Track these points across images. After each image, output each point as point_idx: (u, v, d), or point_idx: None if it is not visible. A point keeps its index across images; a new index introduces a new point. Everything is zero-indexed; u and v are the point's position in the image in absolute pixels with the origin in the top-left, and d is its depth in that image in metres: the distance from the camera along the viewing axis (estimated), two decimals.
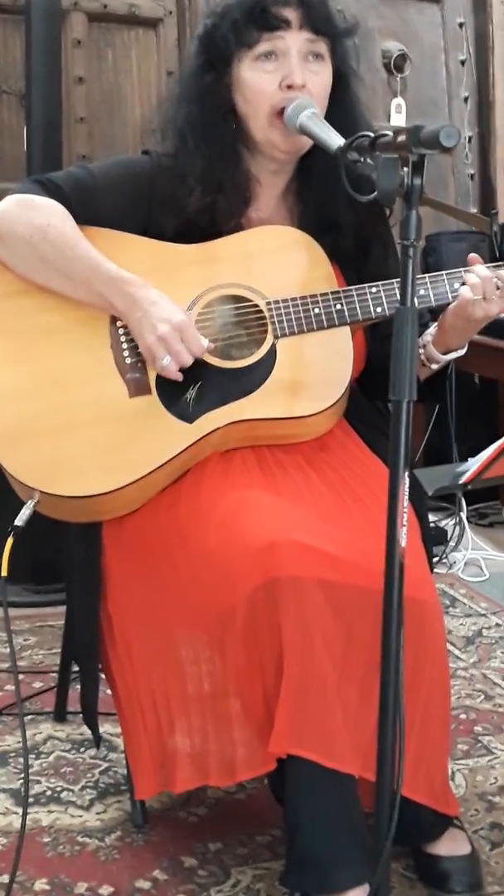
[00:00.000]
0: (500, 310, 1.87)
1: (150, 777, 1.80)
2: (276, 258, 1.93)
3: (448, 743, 1.84)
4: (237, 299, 1.91)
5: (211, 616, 1.72)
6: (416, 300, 1.85)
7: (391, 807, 1.47)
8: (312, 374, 1.89)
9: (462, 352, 1.94)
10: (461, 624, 3.03)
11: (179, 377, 1.83)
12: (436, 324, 1.93)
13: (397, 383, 1.48)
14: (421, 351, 1.92)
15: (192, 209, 1.91)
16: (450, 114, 4.33)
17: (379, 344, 1.99)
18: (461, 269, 1.90)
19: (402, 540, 1.47)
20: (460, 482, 1.75)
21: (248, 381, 1.87)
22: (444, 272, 1.91)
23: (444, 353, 1.93)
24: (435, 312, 1.95)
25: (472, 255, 1.91)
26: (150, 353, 1.83)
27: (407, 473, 1.48)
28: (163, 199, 1.91)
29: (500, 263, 1.91)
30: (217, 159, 1.91)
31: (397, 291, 1.82)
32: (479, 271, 1.86)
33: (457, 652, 2.85)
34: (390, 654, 1.47)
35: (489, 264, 1.90)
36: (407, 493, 1.48)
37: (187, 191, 1.90)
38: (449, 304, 1.90)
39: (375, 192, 1.51)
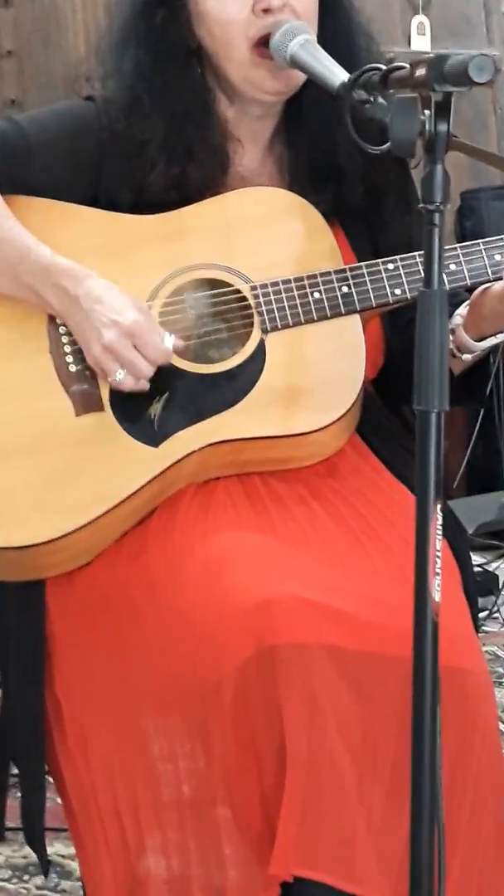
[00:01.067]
0: None
1: None
2: (262, 229, 1.94)
3: None
4: (214, 284, 1.92)
5: (190, 697, 1.72)
6: (445, 279, 1.89)
7: None
8: (313, 378, 1.90)
9: (502, 336, 1.95)
10: None
11: (144, 388, 1.84)
12: (466, 303, 1.95)
13: (423, 389, 1.49)
14: (450, 338, 1.92)
15: (156, 187, 1.92)
16: (488, 34, 4.37)
17: (401, 332, 2.00)
18: None
19: (436, 592, 1.48)
20: None
21: (231, 389, 1.88)
22: (481, 241, 1.93)
23: (479, 340, 1.94)
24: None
25: None
26: (98, 368, 1.85)
27: (440, 505, 1.48)
28: (116, 170, 1.93)
29: None
30: (182, 119, 1.93)
31: (421, 268, 1.84)
32: None
33: None
34: (423, 743, 1.47)
35: None
36: (440, 531, 1.48)
37: (147, 165, 1.92)
38: (489, 281, 1.91)
39: (389, 142, 1.53)
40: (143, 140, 1.92)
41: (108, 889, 1.81)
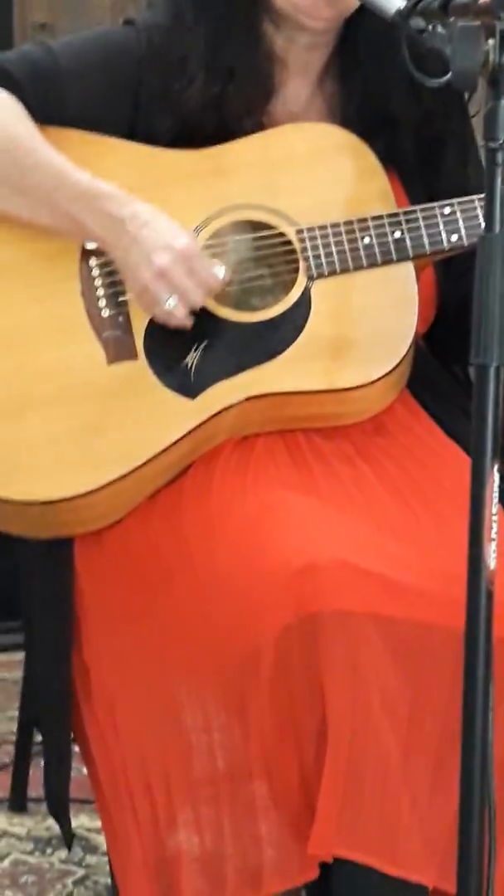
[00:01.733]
0: None
1: (144, 889, 1.80)
2: (310, 169, 1.93)
3: None
4: (257, 226, 1.91)
5: (226, 666, 1.72)
6: None
7: None
8: (361, 330, 1.89)
9: None
10: None
11: (188, 324, 1.83)
12: None
13: (482, 340, 1.47)
14: None
15: (194, 105, 1.91)
16: None
17: (455, 284, 1.98)
18: None
19: (492, 559, 1.46)
20: None
21: (273, 339, 1.87)
22: None
23: None
24: None
25: None
26: (146, 296, 1.83)
27: (497, 467, 1.47)
28: (155, 90, 1.92)
29: None
30: (225, 35, 1.92)
31: (480, 212, 1.81)
32: None
33: None
34: (475, 719, 1.46)
35: None
36: (497, 494, 1.47)
37: (186, 80, 1.91)
38: None
39: (449, 74, 1.50)
40: (183, 55, 1.91)
41: (136, 865, 1.81)
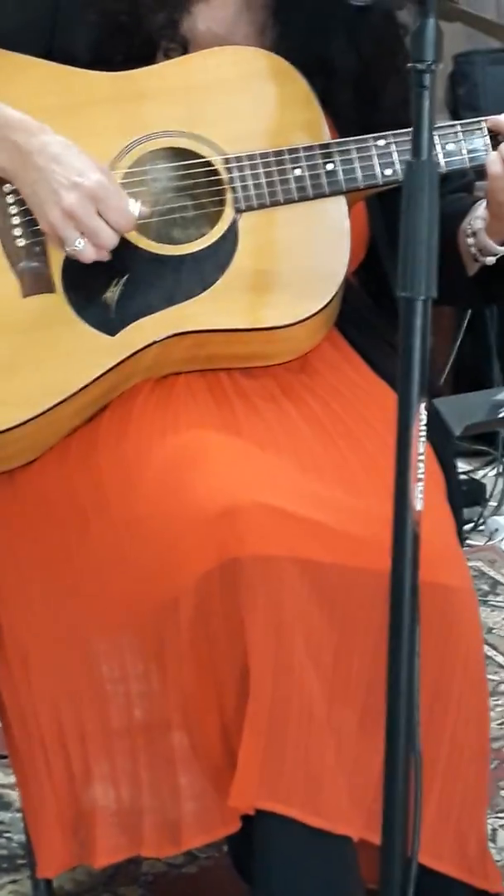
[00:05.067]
0: None
1: (59, 846, 1.80)
2: (237, 94, 1.90)
3: (486, 788, 1.85)
4: (181, 154, 1.89)
5: (144, 613, 1.71)
6: (441, 158, 1.86)
7: (404, 881, 1.47)
8: (290, 266, 1.87)
9: None
10: None
11: (105, 257, 1.81)
12: (485, 203, 1.92)
13: (408, 272, 1.45)
14: (470, 241, 1.92)
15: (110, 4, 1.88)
16: None
17: (389, 219, 1.96)
18: None
19: (418, 500, 1.46)
20: (501, 416, 1.73)
21: (197, 274, 1.85)
22: (483, 119, 1.88)
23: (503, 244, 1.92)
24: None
25: None
26: (53, 235, 1.81)
27: (423, 404, 1.46)
28: None
29: None
30: None
31: None
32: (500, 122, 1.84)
33: (500, 659, 2.88)
34: (400, 664, 1.46)
35: None
36: (424, 433, 1.46)
37: None
38: None
39: None
40: None
41: (51, 821, 1.81)
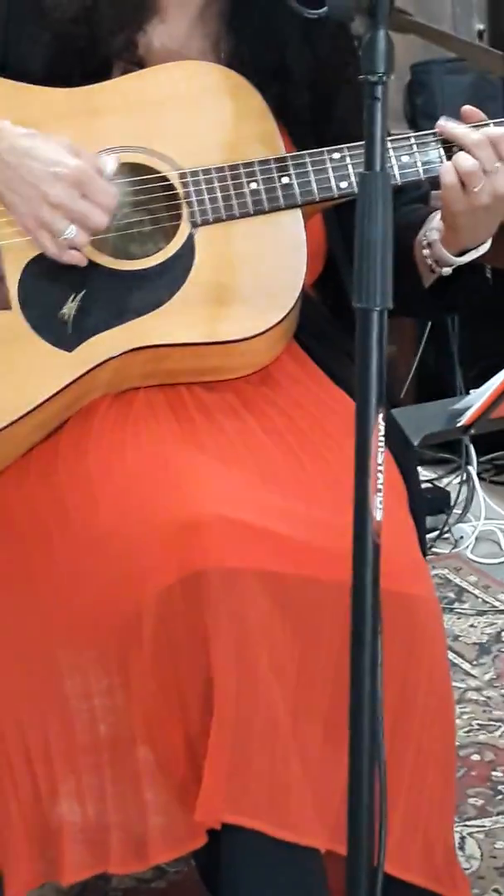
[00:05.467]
0: None
1: (26, 864, 1.79)
2: (192, 109, 1.91)
3: (453, 797, 1.86)
4: (136, 169, 1.89)
5: (107, 629, 1.71)
6: (396, 170, 1.86)
7: (371, 892, 1.47)
8: (247, 280, 1.88)
9: (484, 248, 1.94)
10: (471, 626, 3.06)
11: (83, 261, 1.80)
12: (440, 214, 1.92)
13: (364, 283, 1.45)
14: (426, 252, 1.93)
15: (64, 15, 1.88)
16: None
17: (346, 233, 1.96)
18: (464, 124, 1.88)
19: (378, 510, 1.46)
20: (459, 425, 1.74)
21: (155, 289, 1.85)
22: (436, 130, 1.89)
23: (460, 255, 1.93)
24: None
25: (467, 109, 1.88)
26: (43, 231, 1.80)
27: (382, 414, 1.46)
28: (22, 5, 1.89)
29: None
30: None
31: None
32: (456, 135, 1.83)
33: (466, 666, 2.88)
34: (363, 674, 1.45)
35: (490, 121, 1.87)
36: (382, 442, 1.46)
37: None
38: None
39: (325, 7, 1.50)
40: None
41: (19, 839, 1.80)
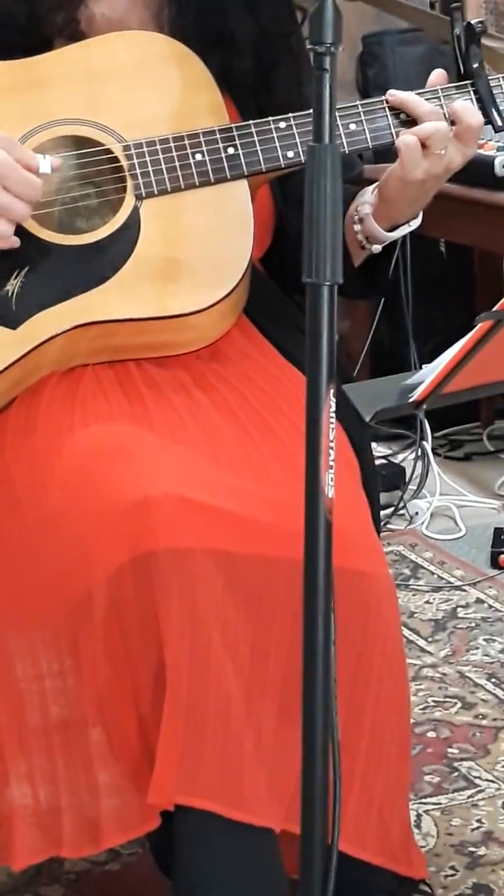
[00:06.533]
0: (463, 158, 1.87)
1: None
2: (134, 80, 1.90)
3: (409, 774, 1.87)
4: (80, 142, 1.88)
5: (57, 610, 1.71)
6: (344, 139, 1.86)
7: (325, 870, 1.47)
8: (194, 252, 1.87)
9: (416, 223, 1.94)
10: (427, 602, 3.07)
11: (16, 243, 1.79)
12: (374, 188, 1.92)
13: (314, 258, 1.45)
14: (357, 228, 1.92)
15: None
16: None
17: (295, 210, 1.96)
18: (418, 90, 1.88)
19: (329, 487, 1.46)
20: (410, 401, 1.74)
21: (100, 263, 1.84)
22: (384, 98, 1.90)
23: (391, 230, 1.92)
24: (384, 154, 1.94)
25: (438, 73, 1.90)
26: None
27: (333, 390, 1.46)
28: None
29: (456, 86, 1.89)
30: None
31: None
32: (408, 103, 1.84)
33: (421, 643, 2.89)
34: (316, 652, 1.45)
35: (438, 87, 1.89)
36: (333, 418, 1.46)
37: None
38: (393, 144, 1.88)
39: None
40: None
41: None
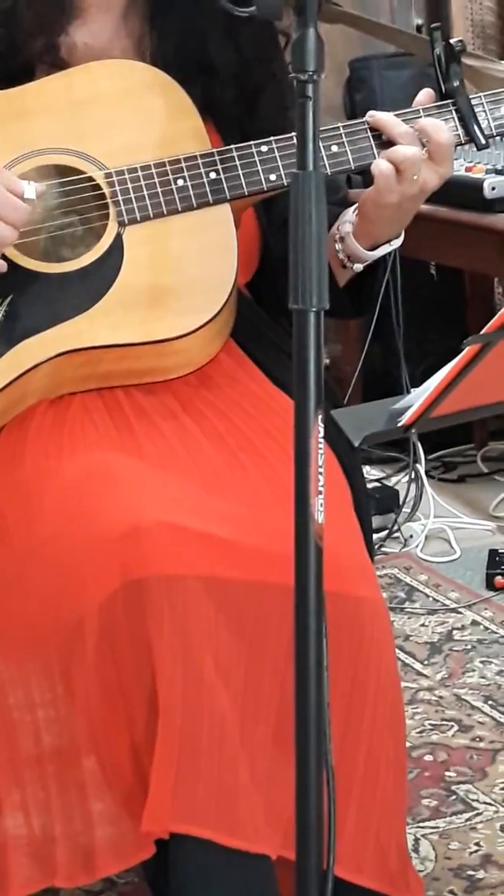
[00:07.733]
0: (440, 178, 1.88)
1: None
2: (117, 108, 1.91)
3: (405, 798, 1.87)
4: (62, 171, 1.89)
5: (49, 639, 1.71)
6: (326, 162, 1.87)
7: (321, 895, 1.47)
8: (178, 277, 1.88)
9: (397, 243, 1.95)
10: (422, 625, 3.08)
11: (2, 268, 1.81)
12: (355, 208, 1.94)
13: (300, 285, 1.46)
14: (339, 247, 1.93)
15: None
16: None
17: (279, 231, 1.99)
18: (400, 111, 1.90)
19: (319, 512, 1.46)
20: (399, 425, 1.74)
21: (84, 291, 1.86)
22: (365, 119, 1.91)
23: (372, 249, 1.93)
24: (365, 175, 1.94)
25: (425, 92, 1.91)
26: None
27: (321, 415, 1.47)
28: None
29: (437, 106, 1.91)
30: None
31: None
32: (384, 124, 1.85)
33: (417, 666, 2.89)
34: (308, 677, 1.46)
35: (420, 107, 1.90)
36: (322, 444, 1.46)
37: None
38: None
39: (254, 6, 1.51)
40: None
41: None
